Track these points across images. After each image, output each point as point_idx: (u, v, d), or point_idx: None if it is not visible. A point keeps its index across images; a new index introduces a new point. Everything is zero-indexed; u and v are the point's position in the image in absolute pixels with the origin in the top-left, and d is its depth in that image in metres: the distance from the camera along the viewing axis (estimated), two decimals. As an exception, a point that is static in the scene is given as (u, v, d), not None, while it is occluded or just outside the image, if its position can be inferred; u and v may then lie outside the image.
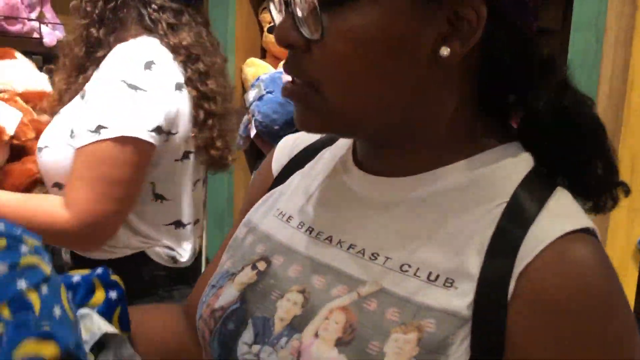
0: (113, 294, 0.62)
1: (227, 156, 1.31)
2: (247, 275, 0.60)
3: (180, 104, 1.17)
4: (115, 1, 1.19)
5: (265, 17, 2.15)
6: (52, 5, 2.28)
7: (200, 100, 1.21)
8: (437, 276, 0.50)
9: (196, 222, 1.35)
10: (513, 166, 0.54)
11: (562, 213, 0.51)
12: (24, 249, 0.55)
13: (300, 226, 0.61)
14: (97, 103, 1.10)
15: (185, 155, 1.23)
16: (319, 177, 0.64)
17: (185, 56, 1.20)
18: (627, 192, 0.57)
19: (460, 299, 0.49)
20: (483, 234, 0.51)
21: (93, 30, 1.20)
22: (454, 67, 0.52)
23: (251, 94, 2.02)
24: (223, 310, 0.59)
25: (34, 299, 0.53)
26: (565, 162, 0.54)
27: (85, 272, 0.62)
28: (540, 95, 0.53)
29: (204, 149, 1.24)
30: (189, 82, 1.20)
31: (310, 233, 0.59)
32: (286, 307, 0.55)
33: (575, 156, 0.54)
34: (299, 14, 0.50)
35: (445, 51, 0.50)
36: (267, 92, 1.94)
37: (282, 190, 0.67)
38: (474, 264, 0.50)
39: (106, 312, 0.61)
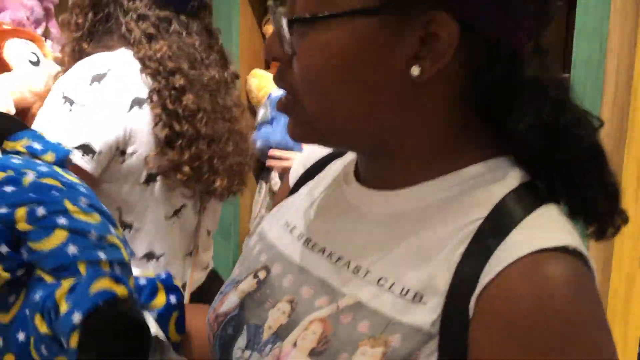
0: (173, 299, 0.68)
1: (213, 182, 1.19)
2: (248, 284, 0.62)
3: (136, 122, 1.10)
4: (103, 12, 1.16)
5: (268, 28, 2.16)
6: (58, 21, 2.29)
7: (166, 118, 1.11)
8: (408, 291, 0.50)
9: (189, 253, 1.28)
10: (500, 181, 0.52)
11: (538, 229, 0.48)
12: (114, 230, 0.64)
13: (300, 237, 0.62)
14: (39, 112, 1.09)
15: (150, 178, 1.14)
16: (322, 189, 0.65)
17: (155, 69, 1.11)
18: (626, 220, 0.55)
19: (426, 315, 0.48)
20: (456, 249, 0.50)
21: (85, 45, 1.16)
22: (436, 84, 0.51)
23: (260, 113, 2.02)
24: (225, 316, 0.62)
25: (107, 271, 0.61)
26: (558, 185, 0.52)
27: (150, 275, 0.70)
28: (523, 115, 0.51)
29: (172, 172, 1.13)
30: (155, 97, 1.11)
31: (307, 244, 0.60)
32: (275, 316, 0.57)
33: (569, 180, 0.52)
34: (281, 28, 0.52)
35: (415, 70, 0.49)
36: (271, 118, 1.94)
37: (293, 200, 0.68)
38: (443, 279, 0.49)
39: (165, 314, 0.67)
